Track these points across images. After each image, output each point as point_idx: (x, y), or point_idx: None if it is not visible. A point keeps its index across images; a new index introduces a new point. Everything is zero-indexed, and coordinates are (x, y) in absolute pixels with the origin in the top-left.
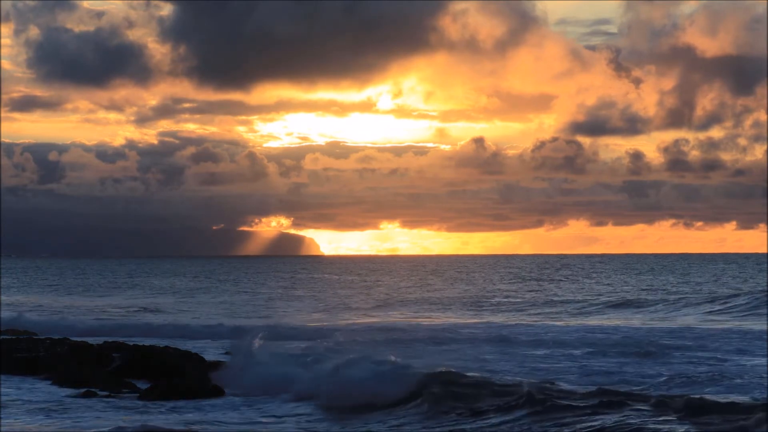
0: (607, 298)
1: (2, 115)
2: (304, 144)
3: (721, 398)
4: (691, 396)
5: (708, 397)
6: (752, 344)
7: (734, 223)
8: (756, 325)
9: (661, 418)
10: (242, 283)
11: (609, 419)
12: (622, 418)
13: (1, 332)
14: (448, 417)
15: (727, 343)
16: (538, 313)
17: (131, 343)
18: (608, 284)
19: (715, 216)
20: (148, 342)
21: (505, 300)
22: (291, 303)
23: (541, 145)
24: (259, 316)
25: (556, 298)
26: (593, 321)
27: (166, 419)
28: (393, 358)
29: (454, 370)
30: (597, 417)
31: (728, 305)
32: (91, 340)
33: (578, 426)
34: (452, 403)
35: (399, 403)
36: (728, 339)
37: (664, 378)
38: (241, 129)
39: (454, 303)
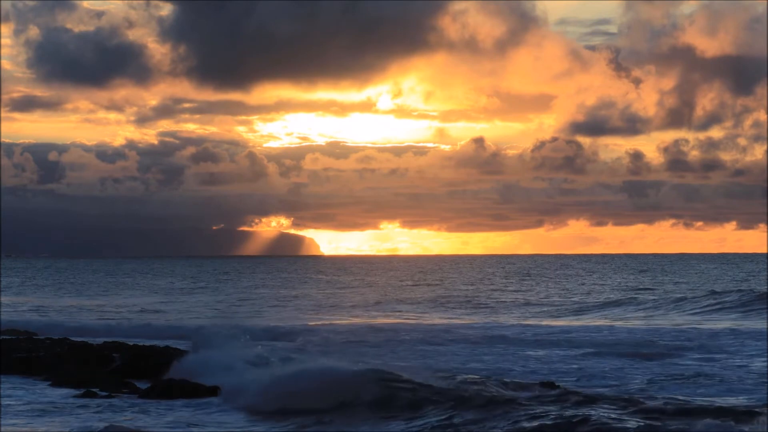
0: (604, 298)
1: (2, 115)
2: (304, 144)
3: (707, 400)
4: (668, 397)
5: (687, 398)
6: (745, 344)
7: (734, 223)
8: (748, 325)
9: (614, 417)
10: (240, 284)
11: (553, 416)
12: (572, 416)
13: (1, 332)
14: (379, 419)
15: (723, 344)
16: (534, 314)
17: (131, 343)
18: (605, 284)
19: (715, 216)
20: (148, 342)
21: (502, 300)
22: (285, 303)
23: (541, 145)
24: (246, 315)
25: (550, 298)
26: (587, 321)
27: (164, 419)
28: (351, 361)
29: (395, 371)
30: (543, 415)
31: (723, 305)
32: (91, 340)
33: (519, 424)
34: (387, 404)
35: (333, 408)
36: (724, 340)
37: (648, 378)
38: (241, 129)
39: (450, 303)
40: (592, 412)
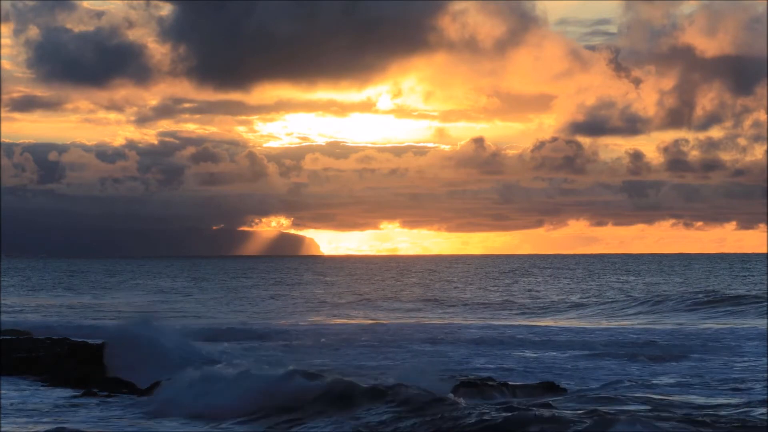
0: (597, 298)
1: (2, 115)
2: (304, 144)
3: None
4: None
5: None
6: (741, 345)
7: (734, 223)
8: (733, 324)
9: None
10: (238, 283)
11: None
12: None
13: (1, 332)
14: (291, 422)
15: (722, 345)
16: (528, 314)
17: None
18: (601, 285)
19: (715, 216)
20: None
21: (495, 300)
22: (277, 302)
23: (540, 145)
24: (231, 315)
25: (546, 298)
26: (582, 322)
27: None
28: (291, 366)
29: (316, 371)
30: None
31: (716, 305)
32: (90, 340)
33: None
34: (304, 407)
35: (250, 412)
36: (724, 341)
37: (635, 378)
38: (241, 129)
39: (445, 303)
40: (535, 412)
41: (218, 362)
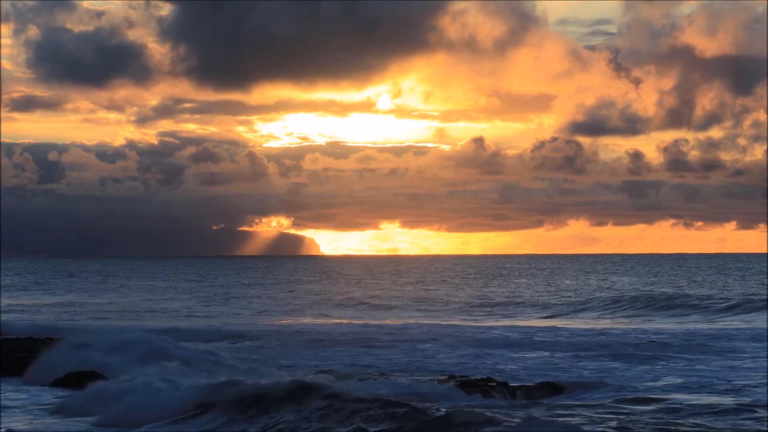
0: (591, 298)
1: (2, 115)
2: (304, 144)
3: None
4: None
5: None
6: (737, 346)
7: (734, 223)
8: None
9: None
10: (234, 283)
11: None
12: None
13: (1, 332)
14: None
15: (721, 345)
16: (520, 314)
17: None
18: (597, 284)
19: (715, 216)
20: None
21: (487, 300)
22: (268, 302)
23: (540, 145)
24: (214, 315)
25: (539, 299)
26: (568, 322)
27: None
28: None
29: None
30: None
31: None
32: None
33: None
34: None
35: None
36: (721, 342)
37: (619, 377)
38: (241, 129)
39: (438, 303)
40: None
41: (186, 364)
